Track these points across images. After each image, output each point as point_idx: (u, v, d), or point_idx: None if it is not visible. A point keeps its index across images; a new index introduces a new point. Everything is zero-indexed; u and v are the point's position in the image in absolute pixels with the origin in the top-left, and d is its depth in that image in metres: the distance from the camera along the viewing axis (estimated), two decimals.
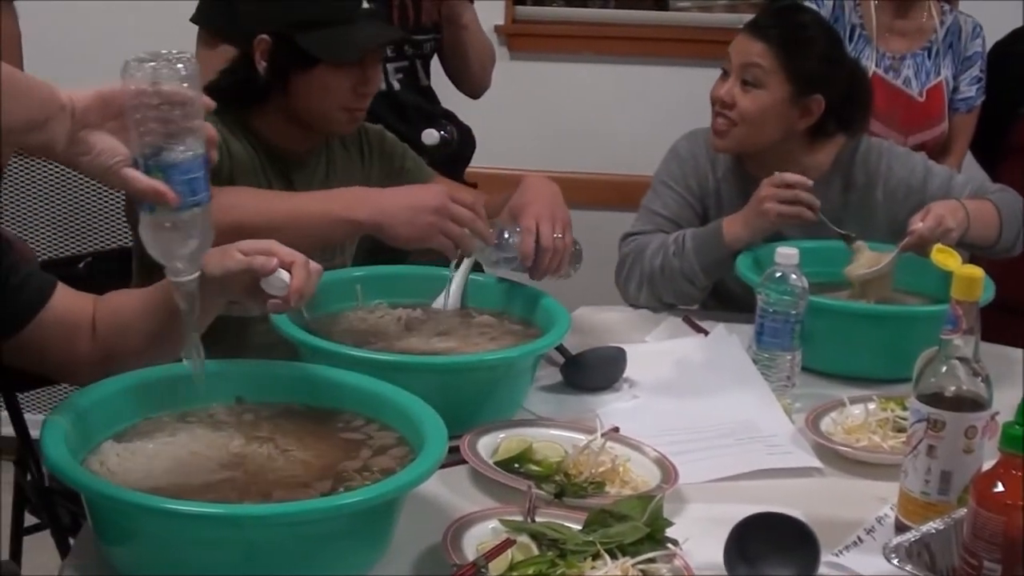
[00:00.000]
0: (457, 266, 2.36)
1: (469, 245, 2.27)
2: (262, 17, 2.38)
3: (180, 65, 1.53)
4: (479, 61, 3.34)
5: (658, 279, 2.76)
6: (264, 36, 2.36)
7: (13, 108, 1.44)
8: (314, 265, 1.79)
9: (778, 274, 2.24)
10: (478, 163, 3.48)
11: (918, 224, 2.55)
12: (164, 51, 1.54)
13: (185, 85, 1.54)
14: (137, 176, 1.54)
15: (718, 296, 2.87)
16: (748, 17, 4.31)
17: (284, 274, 1.74)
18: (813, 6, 3.44)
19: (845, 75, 2.81)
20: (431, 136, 3.10)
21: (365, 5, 2.34)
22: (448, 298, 2.36)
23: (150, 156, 1.54)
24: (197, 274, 1.61)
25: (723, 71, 2.83)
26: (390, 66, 3.11)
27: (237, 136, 2.38)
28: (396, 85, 3.15)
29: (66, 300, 1.89)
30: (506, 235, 2.34)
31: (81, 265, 2.80)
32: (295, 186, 2.44)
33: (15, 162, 3.91)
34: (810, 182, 2.63)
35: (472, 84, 3.38)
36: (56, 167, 3.90)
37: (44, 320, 1.85)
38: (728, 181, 2.83)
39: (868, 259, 2.59)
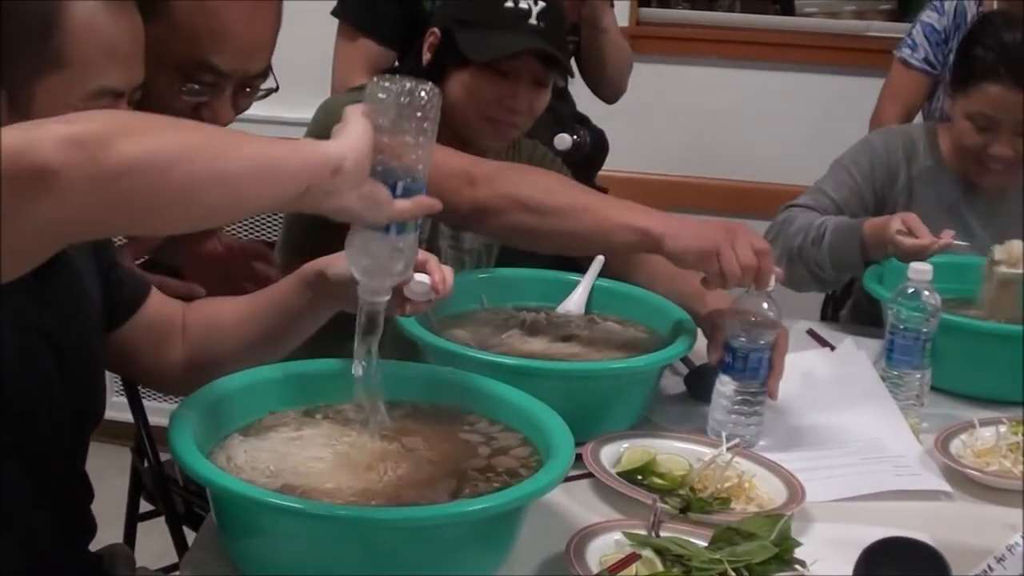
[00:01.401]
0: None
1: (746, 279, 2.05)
2: (438, 14, 2.44)
3: (422, 86, 1.52)
4: (616, 66, 3.30)
5: (796, 259, 2.71)
6: (434, 30, 2.39)
7: (263, 191, 1.41)
8: (445, 265, 1.79)
9: (911, 290, 2.20)
10: (606, 166, 3.46)
11: None
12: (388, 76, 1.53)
13: (428, 106, 1.53)
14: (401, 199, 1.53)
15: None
16: (876, 24, 4.33)
17: (423, 276, 1.73)
18: (934, 14, 3.39)
19: None
20: (563, 141, 3.07)
21: (533, 22, 2.30)
22: (575, 301, 2.34)
23: (402, 175, 1.53)
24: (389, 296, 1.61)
25: (974, 122, 2.69)
26: None
27: None
28: None
29: (159, 305, 1.89)
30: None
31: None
32: None
33: None
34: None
35: (608, 89, 3.35)
36: None
37: (138, 323, 1.86)
38: (924, 181, 2.72)
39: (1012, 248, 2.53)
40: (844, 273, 2.66)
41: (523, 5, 2.30)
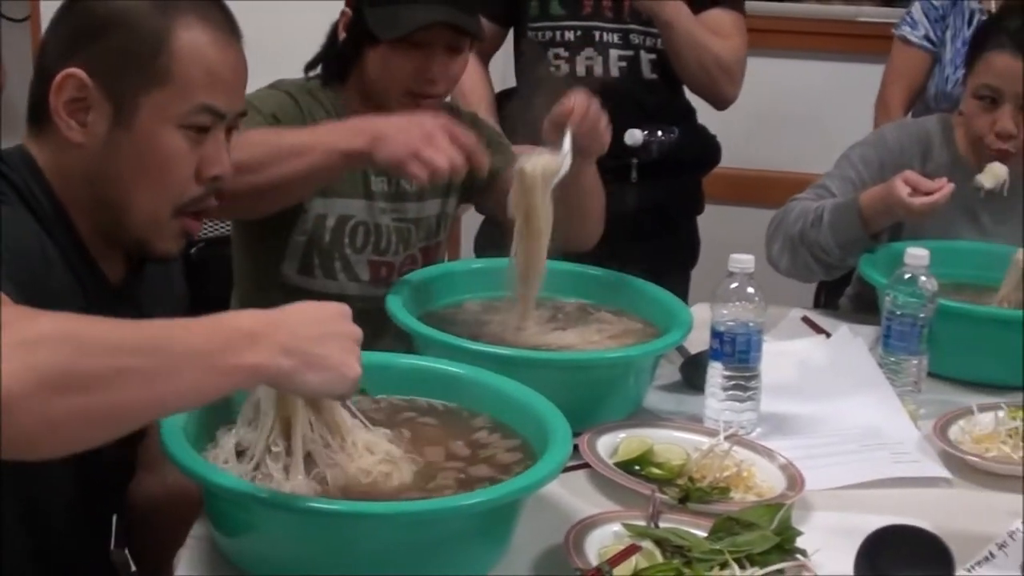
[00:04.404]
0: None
1: (460, 168, 2.09)
2: None
3: None
4: (701, 67, 2.99)
5: (798, 246, 2.68)
6: (346, 9, 2.38)
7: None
8: None
9: (907, 275, 2.18)
10: None
11: None
12: None
13: None
14: None
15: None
16: (867, 9, 4.32)
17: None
18: None
19: None
20: (632, 136, 2.95)
21: None
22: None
23: None
24: None
25: (983, 97, 2.67)
26: (613, 52, 3.00)
27: (328, 113, 2.36)
28: (615, 72, 3.01)
29: None
30: None
31: (193, 251, 2.79)
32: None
33: None
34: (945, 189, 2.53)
35: (704, 92, 3.11)
36: None
37: None
38: (939, 175, 2.68)
39: None
40: (849, 250, 2.61)
41: None
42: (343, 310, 1.49)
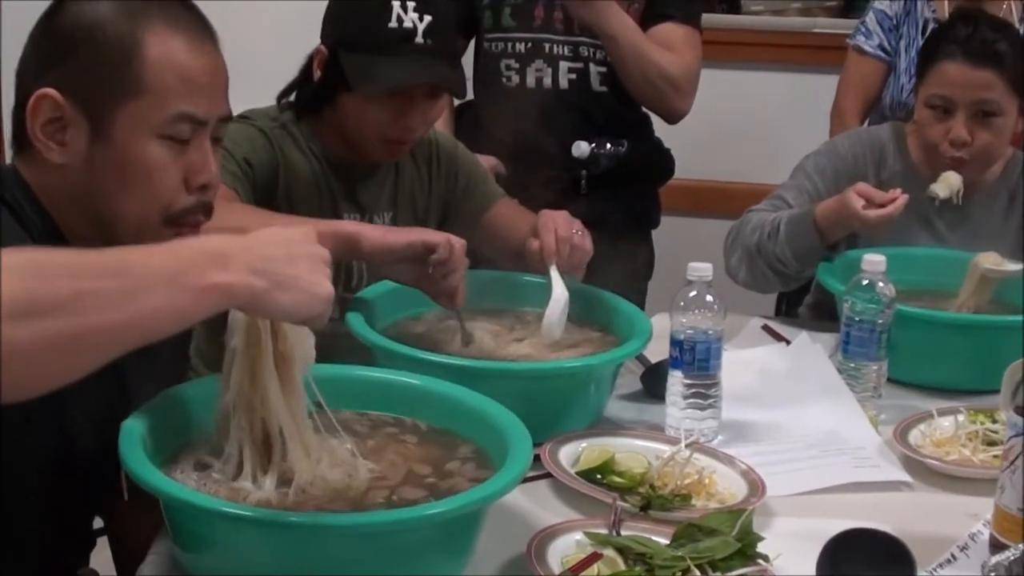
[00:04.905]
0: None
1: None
2: (325, 28, 2.33)
3: None
4: (646, 80, 2.96)
5: (756, 258, 2.68)
6: (321, 47, 2.31)
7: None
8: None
9: (865, 282, 2.19)
10: None
11: None
12: None
13: None
14: None
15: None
16: (822, 21, 4.34)
17: None
18: (886, 1, 3.40)
19: None
20: (579, 148, 2.96)
21: (420, 40, 2.21)
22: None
23: None
24: None
25: (935, 107, 2.69)
26: (563, 65, 3.00)
27: (301, 148, 2.33)
28: (565, 84, 3.02)
29: None
30: None
31: None
32: (359, 199, 2.39)
33: None
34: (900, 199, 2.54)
35: (652, 105, 3.10)
36: None
37: None
38: (895, 185, 2.65)
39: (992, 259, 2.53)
40: (806, 262, 2.62)
41: (407, 24, 2.20)
42: (308, 232, 1.48)
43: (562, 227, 2.25)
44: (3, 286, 1.19)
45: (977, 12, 2.84)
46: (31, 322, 1.21)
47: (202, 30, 1.71)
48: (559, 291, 2.21)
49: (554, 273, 2.23)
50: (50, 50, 1.67)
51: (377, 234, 2.07)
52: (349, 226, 2.10)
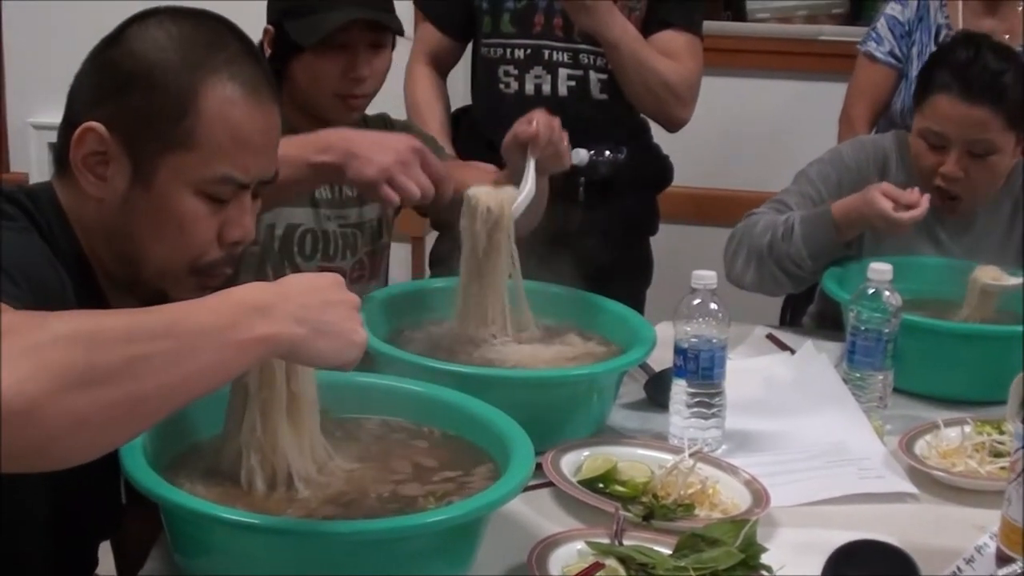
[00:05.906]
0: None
1: (429, 196, 2.12)
2: (269, 9, 2.47)
3: None
4: (646, 88, 2.94)
5: (766, 259, 2.66)
6: (268, 26, 2.43)
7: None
8: None
9: (871, 291, 2.18)
10: None
11: None
12: None
13: None
14: None
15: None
16: (828, 28, 4.33)
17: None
18: (897, 6, 3.38)
19: None
20: (578, 155, 2.89)
21: None
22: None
23: None
24: None
25: (928, 140, 2.67)
26: (563, 72, 2.98)
27: None
28: (564, 91, 2.99)
29: None
30: None
31: None
32: None
33: None
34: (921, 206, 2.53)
35: (650, 113, 3.07)
36: None
37: None
38: None
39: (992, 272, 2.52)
40: (821, 261, 2.61)
41: None
42: (338, 279, 1.48)
43: (543, 121, 2.26)
44: (64, 357, 1.19)
45: (981, 37, 2.78)
46: (91, 391, 1.20)
47: (265, 86, 1.69)
48: (531, 186, 2.25)
49: (531, 165, 2.25)
50: (107, 82, 1.64)
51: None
52: None
